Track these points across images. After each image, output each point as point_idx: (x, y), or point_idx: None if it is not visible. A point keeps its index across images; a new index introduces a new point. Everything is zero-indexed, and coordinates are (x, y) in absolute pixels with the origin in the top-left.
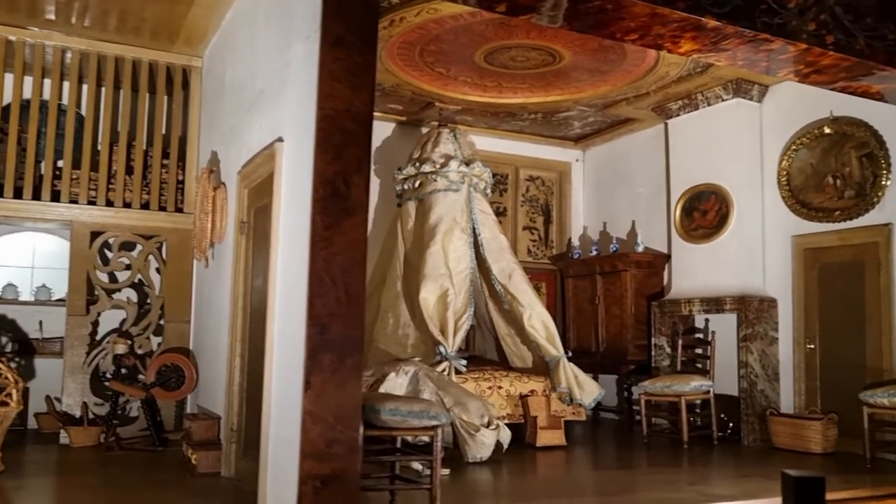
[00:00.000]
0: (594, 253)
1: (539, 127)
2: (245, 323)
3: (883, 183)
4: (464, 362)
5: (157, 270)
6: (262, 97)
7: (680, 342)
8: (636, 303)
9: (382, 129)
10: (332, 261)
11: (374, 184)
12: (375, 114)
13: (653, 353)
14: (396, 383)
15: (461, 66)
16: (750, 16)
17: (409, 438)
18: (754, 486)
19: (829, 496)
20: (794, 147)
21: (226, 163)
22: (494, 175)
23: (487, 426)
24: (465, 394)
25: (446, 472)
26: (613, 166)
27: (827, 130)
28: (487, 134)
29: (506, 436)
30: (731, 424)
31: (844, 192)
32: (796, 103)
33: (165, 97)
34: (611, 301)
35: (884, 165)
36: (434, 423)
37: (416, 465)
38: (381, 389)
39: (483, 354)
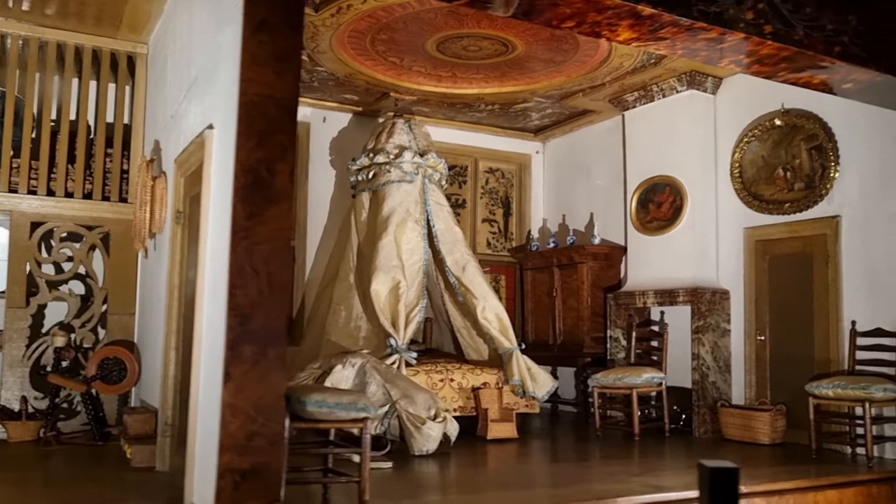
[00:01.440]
0: (551, 245)
1: (497, 118)
2: (179, 315)
3: (831, 175)
4: (414, 355)
5: (101, 262)
6: (197, 83)
7: (633, 334)
8: (593, 295)
9: (339, 120)
10: (254, 250)
11: (331, 175)
12: (329, 104)
13: (608, 345)
14: (343, 375)
15: (414, 55)
16: (686, 4)
17: (355, 431)
18: (696, 478)
19: (771, 487)
20: (746, 139)
21: (166, 151)
22: (453, 167)
23: (434, 419)
24: (412, 386)
25: (388, 464)
26: (573, 158)
27: (778, 122)
28: (446, 125)
29: (453, 428)
30: (683, 416)
31: (794, 185)
32: (749, 95)
33: (111, 85)
34: (568, 293)
35: (832, 158)
36: (363, 415)
37: (357, 458)
38: (328, 382)
39: (440, 347)
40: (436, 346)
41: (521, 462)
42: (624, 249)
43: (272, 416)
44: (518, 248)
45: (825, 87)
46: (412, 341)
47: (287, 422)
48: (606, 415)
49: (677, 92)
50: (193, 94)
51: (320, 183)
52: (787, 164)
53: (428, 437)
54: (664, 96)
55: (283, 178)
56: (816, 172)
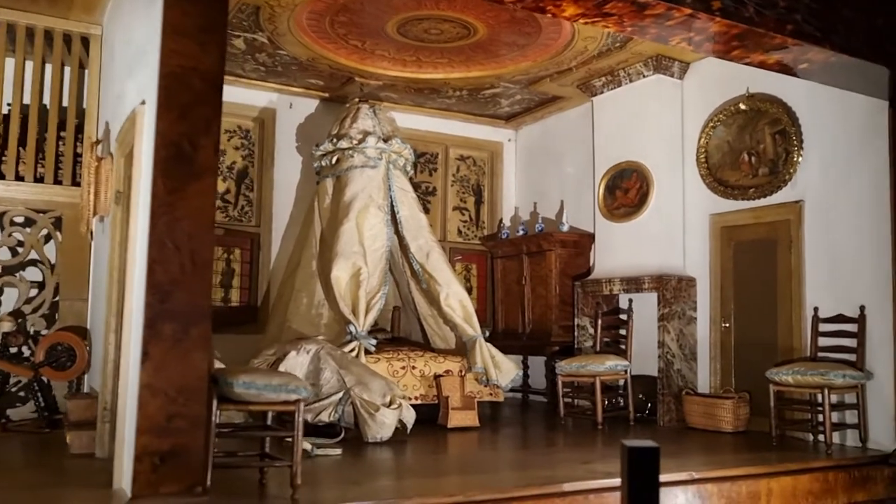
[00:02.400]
0: (521, 233)
1: (467, 105)
2: (119, 297)
3: (795, 160)
4: (373, 342)
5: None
6: (135, 59)
7: (599, 322)
8: (561, 283)
9: (305, 106)
10: (175, 226)
11: (297, 162)
12: (295, 89)
13: (576, 333)
14: (297, 362)
15: (376, 38)
16: None
17: (308, 417)
18: None
19: (723, 473)
20: (711, 124)
21: (113, 133)
22: (423, 154)
23: (389, 406)
24: (367, 373)
25: (338, 451)
26: (544, 145)
27: (742, 107)
28: (415, 112)
29: (409, 416)
30: (649, 405)
31: (759, 170)
32: (716, 80)
33: (64, 66)
34: (537, 281)
35: (795, 142)
36: (294, 396)
37: (305, 445)
38: (281, 368)
39: (408, 336)
40: (403, 335)
41: (474, 450)
42: (593, 237)
43: (194, 396)
44: (489, 237)
45: (782, 68)
46: (380, 329)
47: (214, 404)
48: (574, 404)
49: (644, 77)
50: (132, 70)
51: (286, 170)
52: (752, 149)
53: (382, 425)
54: (631, 81)
55: (207, 152)
56: (780, 157)
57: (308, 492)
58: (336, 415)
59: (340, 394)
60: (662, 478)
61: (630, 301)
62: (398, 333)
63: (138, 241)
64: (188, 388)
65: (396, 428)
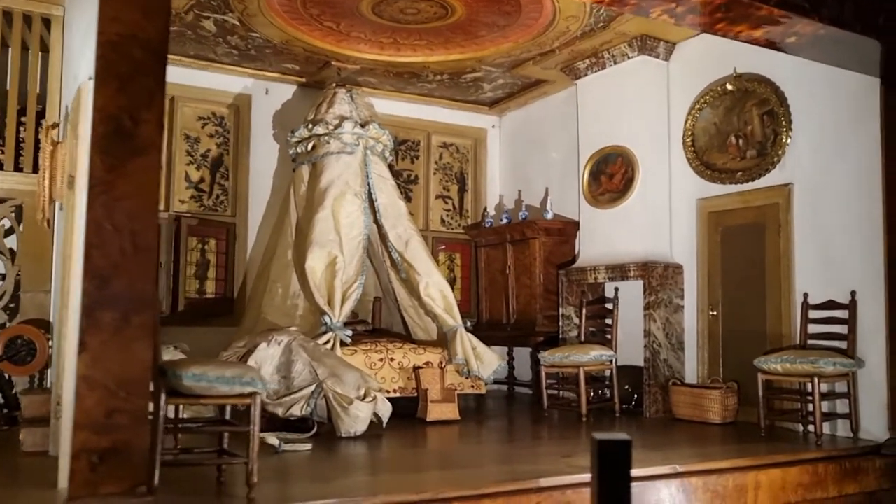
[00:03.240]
0: (504, 221)
1: (448, 90)
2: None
3: (783, 141)
4: (349, 333)
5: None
6: (87, 33)
7: (584, 312)
8: (545, 272)
9: (282, 92)
10: (114, 206)
11: (274, 149)
12: (271, 74)
13: (561, 323)
14: (268, 354)
15: (351, 19)
16: None
17: (279, 412)
18: (634, 457)
19: (709, 466)
20: (698, 106)
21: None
22: (405, 141)
23: (363, 399)
24: (341, 365)
25: (307, 447)
26: (529, 131)
27: (729, 87)
28: (396, 98)
29: (385, 409)
30: (636, 396)
31: (747, 152)
32: (703, 60)
33: (27, 50)
34: (521, 270)
35: (784, 123)
36: (248, 389)
37: (272, 440)
38: (251, 360)
39: (390, 327)
40: (385, 326)
41: (451, 444)
42: (578, 224)
43: (136, 390)
44: (473, 226)
45: (769, 43)
46: (360, 321)
47: (162, 398)
48: (560, 395)
49: (629, 58)
50: (83, 45)
51: (263, 157)
52: (740, 131)
53: (356, 418)
54: (615, 63)
55: (150, 127)
56: (768, 139)
57: (269, 489)
58: (308, 408)
59: (313, 387)
60: (645, 471)
61: (616, 290)
62: (379, 325)
63: (78, 225)
64: (130, 381)
65: (372, 422)
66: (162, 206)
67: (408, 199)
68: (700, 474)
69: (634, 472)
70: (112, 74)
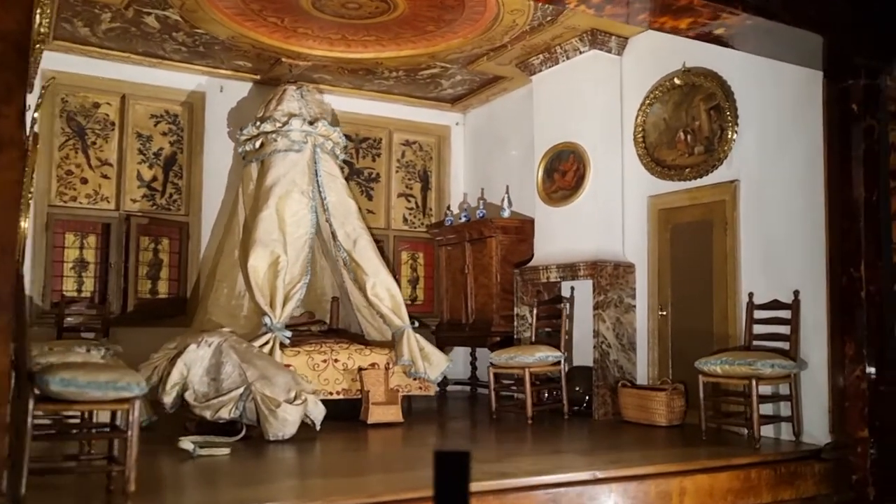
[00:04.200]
0: (463, 220)
1: (407, 87)
2: None
3: (729, 137)
4: (288, 334)
5: None
6: None
7: (535, 312)
8: (503, 271)
9: (237, 90)
10: None
11: (229, 147)
12: (224, 72)
13: (516, 323)
14: (198, 355)
15: (295, 15)
16: None
17: (208, 415)
18: (553, 463)
19: (629, 472)
20: (648, 101)
21: None
22: (366, 139)
23: (293, 402)
24: (272, 367)
25: (225, 451)
26: (490, 129)
27: (677, 82)
28: (354, 95)
29: (318, 412)
30: (588, 397)
31: (695, 148)
32: (655, 55)
33: None
34: (479, 270)
35: (730, 118)
36: (124, 394)
37: (186, 445)
38: (180, 362)
39: (348, 327)
40: (343, 327)
41: (379, 448)
42: (534, 223)
43: None
44: (436, 224)
45: (696, 33)
46: (317, 321)
47: (31, 404)
48: (514, 397)
49: (580, 53)
50: None
51: (217, 156)
52: (688, 127)
53: (284, 422)
54: (568, 58)
55: (10, 122)
56: (715, 134)
57: (152, 497)
58: (237, 411)
59: (241, 389)
60: (562, 478)
61: (572, 289)
62: (337, 325)
63: None
64: None
65: (306, 425)
66: (112, 206)
67: (369, 197)
68: (620, 480)
69: (550, 479)
70: None
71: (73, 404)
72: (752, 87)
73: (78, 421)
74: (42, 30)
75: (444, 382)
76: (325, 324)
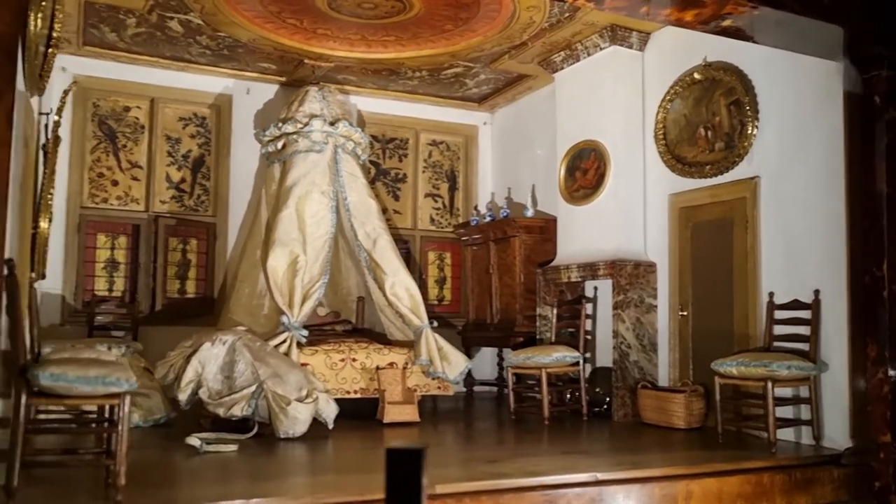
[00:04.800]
0: (488, 219)
1: (431, 87)
2: None
3: (749, 132)
4: (305, 333)
5: None
6: None
7: (555, 311)
8: (526, 271)
9: (263, 92)
10: None
11: (255, 148)
12: (250, 74)
13: (538, 324)
14: (212, 354)
15: (312, 16)
16: None
17: (221, 412)
18: (556, 464)
19: (633, 474)
20: (668, 97)
21: None
22: (392, 140)
23: (304, 400)
24: (285, 365)
25: (232, 448)
26: (517, 128)
27: (697, 77)
28: (380, 96)
29: (330, 410)
30: (608, 399)
31: (715, 145)
32: (677, 50)
33: None
34: (503, 270)
35: (750, 113)
36: (113, 389)
37: (193, 441)
38: (195, 360)
39: (373, 327)
40: (368, 326)
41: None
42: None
43: None
44: (462, 224)
45: (703, 26)
46: (343, 320)
47: (23, 398)
48: (535, 398)
49: (601, 49)
50: None
51: (244, 157)
52: (708, 123)
53: (295, 420)
54: (589, 55)
55: None
56: (736, 130)
57: (144, 490)
58: (249, 409)
59: (253, 387)
60: (560, 479)
61: (595, 289)
62: (362, 324)
63: None
64: None
65: (319, 423)
66: (142, 207)
67: (395, 198)
68: (623, 483)
69: (548, 480)
70: None
71: (64, 398)
72: (772, 81)
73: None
74: (54, 34)
75: (470, 383)
76: (351, 323)
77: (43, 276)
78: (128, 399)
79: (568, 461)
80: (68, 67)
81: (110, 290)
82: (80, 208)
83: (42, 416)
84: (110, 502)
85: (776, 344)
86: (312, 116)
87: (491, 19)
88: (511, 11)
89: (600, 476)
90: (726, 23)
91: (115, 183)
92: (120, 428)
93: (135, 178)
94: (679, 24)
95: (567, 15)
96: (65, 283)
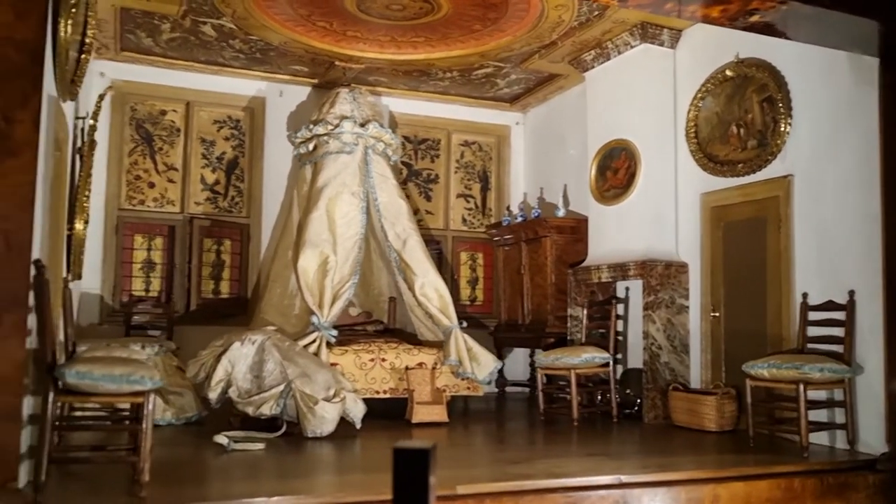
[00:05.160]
0: (519, 220)
1: (463, 87)
2: None
3: (782, 129)
4: (334, 333)
5: None
6: None
7: (586, 312)
8: (558, 271)
9: (296, 94)
10: None
11: (288, 151)
12: (283, 77)
13: (569, 324)
14: (241, 353)
15: (341, 18)
16: None
17: (250, 411)
18: (581, 466)
19: (658, 477)
20: (700, 95)
21: None
22: (424, 140)
23: (331, 399)
24: (313, 365)
25: (259, 446)
26: (549, 127)
27: (729, 74)
28: (412, 97)
29: (357, 410)
30: (639, 401)
31: (747, 143)
32: (709, 47)
33: None
34: (535, 270)
35: (783, 109)
36: (137, 388)
37: (221, 439)
38: (225, 359)
39: (405, 328)
40: (400, 327)
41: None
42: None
43: (7, 387)
44: (494, 225)
45: (731, 22)
46: (374, 321)
47: (51, 395)
48: (566, 399)
49: (631, 47)
50: None
51: (277, 159)
52: (741, 120)
53: (322, 419)
54: (620, 53)
55: (25, 127)
56: (768, 127)
57: (169, 487)
58: (278, 408)
59: (282, 386)
60: (583, 481)
61: (627, 290)
62: (394, 325)
63: None
64: (1, 379)
65: (347, 422)
66: (177, 209)
67: (427, 198)
68: (648, 486)
69: (571, 482)
70: None
71: (90, 396)
72: (805, 77)
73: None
74: (87, 40)
75: (503, 383)
76: (383, 324)
77: (79, 277)
78: (152, 397)
79: (592, 463)
80: (107, 73)
81: (147, 290)
82: (117, 210)
83: (78, 414)
84: (134, 498)
85: (810, 346)
86: (343, 118)
87: (520, 19)
88: (539, 11)
89: (624, 478)
90: (754, 18)
91: (151, 185)
92: (143, 425)
93: (170, 181)
94: (706, 20)
95: (596, 13)
96: (103, 283)
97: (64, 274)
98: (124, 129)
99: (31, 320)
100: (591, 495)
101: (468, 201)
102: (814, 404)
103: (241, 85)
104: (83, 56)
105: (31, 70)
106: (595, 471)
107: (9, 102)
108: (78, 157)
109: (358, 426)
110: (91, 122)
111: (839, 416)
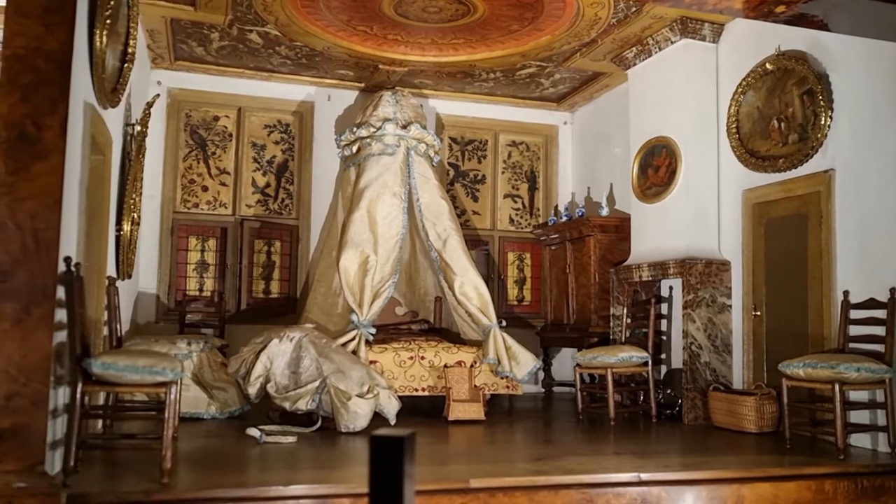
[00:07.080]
0: (565, 219)
1: (508, 88)
2: None
3: (823, 123)
4: (372, 331)
5: None
6: None
7: (626, 311)
8: (601, 270)
9: (344, 98)
10: (17, 207)
11: (335, 154)
12: (330, 81)
13: (612, 324)
14: (279, 349)
15: (381, 22)
16: None
17: (287, 406)
18: (602, 464)
19: (678, 476)
20: (740, 90)
21: None
22: (471, 142)
23: (365, 395)
24: (349, 361)
25: (291, 439)
26: (596, 126)
27: (770, 67)
28: (457, 98)
29: (391, 406)
30: (679, 401)
31: (788, 137)
32: (751, 41)
33: None
34: (579, 270)
35: (823, 103)
36: (159, 378)
37: (254, 432)
38: (264, 355)
39: (450, 327)
40: (446, 326)
41: (439, 443)
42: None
43: (35, 376)
44: (541, 225)
45: (753, 13)
46: (420, 320)
47: (79, 385)
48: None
49: (672, 43)
50: None
51: (325, 162)
52: (781, 114)
53: (355, 414)
54: (660, 49)
55: (53, 132)
56: (809, 121)
57: (190, 473)
58: (313, 403)
59: (317, 382)
60: (600, 478)
61: (671, 289)
62: (439, 324)
63: None
64: (29, 368)
65: (383, 419)
66: (229, 211)
67: (474, 199)
68: (668, 484)
69: (588, 478)
70: (16, 84)
71: (116, 386)
72: (846, 69)
73: None
74: (129, 50)
75: (549, 383)
76: (428, 323)
77: (128, 276)
78: (174, 388)
79: (616, 461)
80: (163, 81)
81: (200, 290)
82: (172, 213)
83: (128, 405)
84: (155, 483)
85: (851, 345)
86: (385, 120)
87: (556, 17)
88: (575, 9)
89: (644, 476)
90: (779, 9)
91: (204, 189)
92: (166, 414)
93: (223, 184)
94: (729, 12)
95: (634, 10)
96: (159, 283)
97: (111, 273)
98: (179, 135)
99: (61, 314)
100: (608, 492)
101: (515, 201)
102: (854, 405)
103: (290, 90)
104: (126, 65)
105: (59, 79)
106: (616, 468)
107: (38, 109)
108: (128, 161)
109: (392, 422)
110: (139, 128)
111: (881, 417)
